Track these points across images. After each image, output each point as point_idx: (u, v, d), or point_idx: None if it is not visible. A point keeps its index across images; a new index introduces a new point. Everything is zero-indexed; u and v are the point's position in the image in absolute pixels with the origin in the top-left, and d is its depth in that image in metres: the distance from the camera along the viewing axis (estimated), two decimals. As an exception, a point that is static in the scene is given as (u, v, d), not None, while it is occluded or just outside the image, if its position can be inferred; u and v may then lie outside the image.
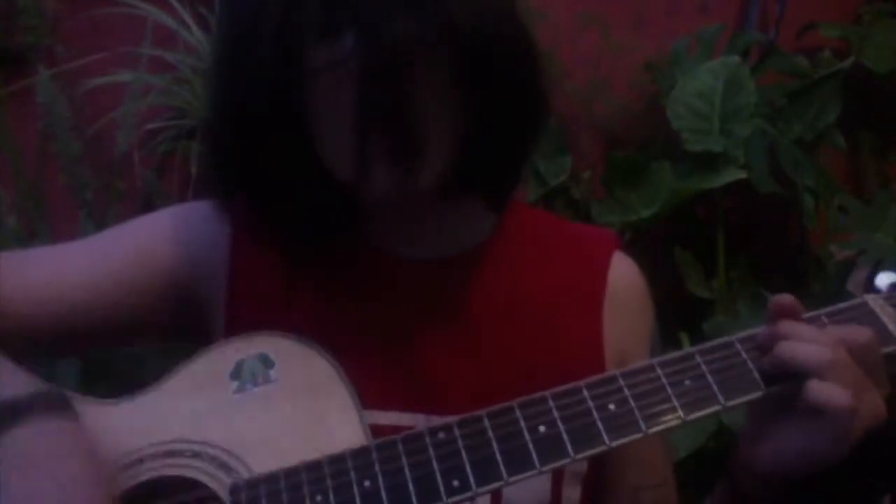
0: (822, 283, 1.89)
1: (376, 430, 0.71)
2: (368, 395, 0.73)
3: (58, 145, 1.92)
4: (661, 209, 1.91)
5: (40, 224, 1.95)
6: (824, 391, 0.66)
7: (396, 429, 0.74)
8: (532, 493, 0.78)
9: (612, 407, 0.67)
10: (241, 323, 0.80)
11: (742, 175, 1.87)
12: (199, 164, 1.93)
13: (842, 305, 0.75)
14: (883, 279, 0.78)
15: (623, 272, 0.88)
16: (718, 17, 2.16)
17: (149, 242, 0.85)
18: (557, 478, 0.80)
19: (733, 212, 2.11)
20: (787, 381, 0.68)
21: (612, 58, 2.08)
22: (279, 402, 0.72)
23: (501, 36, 0.74)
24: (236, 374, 0.73)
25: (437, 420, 0.76)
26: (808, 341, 0.69)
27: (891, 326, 0.74)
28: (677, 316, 1.85)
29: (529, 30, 0.77)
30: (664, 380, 0.69)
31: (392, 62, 0.67)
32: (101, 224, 1.89)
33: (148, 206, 2.00)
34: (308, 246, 0.83)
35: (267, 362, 0.73)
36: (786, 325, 0.70)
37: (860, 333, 0.70)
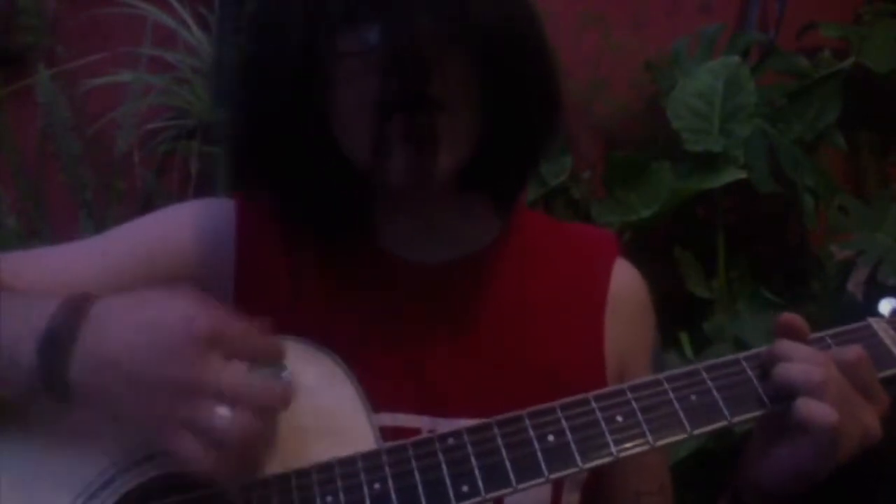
0: (822, 283, 1.89)
1: (380, 432, 0.71)
2: (372, 396, 0.73)
3: (58, 145, 1.92)
4: (661, 209, 1.90)
5: (40, 224, 1.95)
6: (810, 409, 0.67)
7: (399, 430, 0.74)
8: (533, 499, 0.78)
9: (619, 419, 0.68)
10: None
11: (742, 175, 1.87)
12: (201, 163, 1.94)
13: (845, 328, 0.77)
14: (885, 305, 0.80)
15: (625, 279, 0.89)
16: (718, 17, 2.15)
17: (155, 240, 0.85)
18: (558, 484, 0.80)
19: (733, 212, 2.11)
20: (789, 399, 0.69)
21: (612, 58, 2.08)
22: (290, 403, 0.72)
23: (522, 36, 0.75)
24: None
25: (440, 422, 0.76)
26: (801, 361, 0.70)
27: (894, 349, 0.75)
28: (677, 316, 1.85)
29: (545, 33, 0.78)
30: (671, 394, 0.70)
31: (415, 53, 0.69)
32: (101, 224, 1.89)
33: (148, 206, 1.99)
34: (319, 242, 0.84)
35: (279, 365, 0.74)
36: (782, 345, 0.72)
37: (848, 351, 0.72)
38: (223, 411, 0.60)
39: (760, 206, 2.10)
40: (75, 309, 0.65)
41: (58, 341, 0.64)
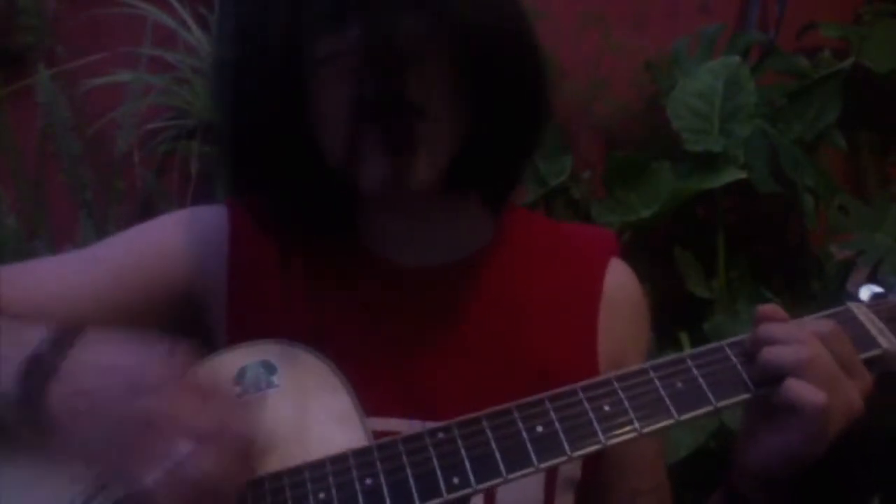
0: (822, 283, 1.89)
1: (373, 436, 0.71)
2: (365, 401, 0.73)
3: (58, 145, 1.92)
4: (661, 209, 1.90)
5: (40, 224, 1.95)
6: (798, 391, 0.67)
7: (391, 435, 0.74)
8: (524, 500, 0.78)
9: (607, 408, 0.69)
10: (240, 329, 0.80)
11: (742, 175, 1.87)
12: (201, 163, 1.94)
13: (826, 312, 0.78)
14: (864, 291, 0.81)
15: (619, 279, 0.89)
16: (718, 17, 2.15)
17: (150, 249, 0.85)
18: (550, 484, 0.80)
19: (733, 212, 2.11)
20: (774, 382, 0.70)
21: (612, 58, 2.08)
22: (281, 406, 0.72)
23: (506, 36, 0.74)
24: (239, 379, 0.74)
25: (432, 426, 0.76)
26: (785, 343, 0.70)
27: (873, 332, 0.76)
28: (677, 316, 1.85)
29: (533, 31, 0.78)
30: (657, 382, 0.71)
31: (393, 57, 0.68)
32: (101, 224, 1.90)
33: (148, 206, 2.00)
34: (308, 245, 0.83)
35: (269, 368, 0.74)
36: (764, 328, 0.72)
37: (824, 324, 0.72)
38: (188, 447, 0.60)
39: (760, 206, 2.10)
40: (62, 338, 0.66)
41: (41, 368, 0.65)
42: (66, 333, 0.67)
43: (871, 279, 0.83)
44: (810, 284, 1.93)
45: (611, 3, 2.12)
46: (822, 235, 1.98)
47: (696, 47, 2.05)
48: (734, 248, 1.99)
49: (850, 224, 1.82)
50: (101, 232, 1.88)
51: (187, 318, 0.85)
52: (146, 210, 2.00)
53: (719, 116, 1.93)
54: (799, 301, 1.82)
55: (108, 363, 0.65)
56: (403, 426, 0.77)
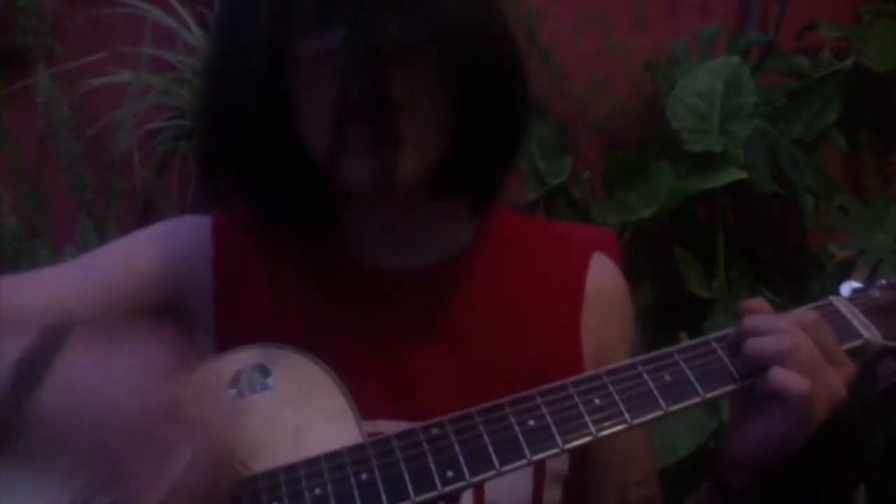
0: (822, 283, 1.89)
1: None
2: (355, 404, 0.73)
3: (58, 145, 1.92)
4: (661, 209, 1.90)
5: (40, 224, 1.95)
6: (783, 378, 0.68)
7: None
8: (513, 495, 0.79)
9: (597, 401, 0.70)
10: (230, 336, 0.81)
11: (742, 175, 1.87)
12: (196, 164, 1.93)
13: (809, 306, 0.79)
14: (845, 287, 0.84)
15: (602, 275, 0.89)
16: (718, 17, 2.16)
17: (135, 261, 0.86)
18: (538, 480, 0.81)
19: (733, 212, 2.11)
20: (759, 372, 0.71)
21: (612, 58, 2.08)
22: (276, 408, 0.73)
23: (488, 40, 0.75)
24: (234, 383, 0.75)
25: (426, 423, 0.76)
26: (769, 333, 0.71)
27: (854, 323, 0.78)
28: (677, 316, 1.85)
29: (515, 35, 0.79)
30: (646, 375, 0.72)
31: (378, 58, 0.69)
32: (101, 224, 1.90)
33: (148, 206, 2.00)
34: (294, 251, 0.84)
35: (264, 371, 0.75)
36: (749, 321, 0.73)
37: (807, 315, 0.74)
38: (186, 456, 0.59)
39: (760, 206, 2.10)
40: (54, 336, 0.65)
41: (33, 366, 0.63)
42: (59, 331, 0.66)
43: (872, 279, 0.84)
44: (810, 284, 1.93)
45: (611, 3, 2.12)
46: (822, 235, 1.98)
47: (696, 47, 2.05)
48: (734, 248, 1.99)
49: (850, 224, 1.82)
50: (101, 232, 1.88)
51: (177, 327, 0.85)
52: (146, 210, 2.00)
53: (719, 116, 1.93)
54: (799, 301, 1.81)
55: (100, 362, 0.63)
56: (392, 428, 0.78)
